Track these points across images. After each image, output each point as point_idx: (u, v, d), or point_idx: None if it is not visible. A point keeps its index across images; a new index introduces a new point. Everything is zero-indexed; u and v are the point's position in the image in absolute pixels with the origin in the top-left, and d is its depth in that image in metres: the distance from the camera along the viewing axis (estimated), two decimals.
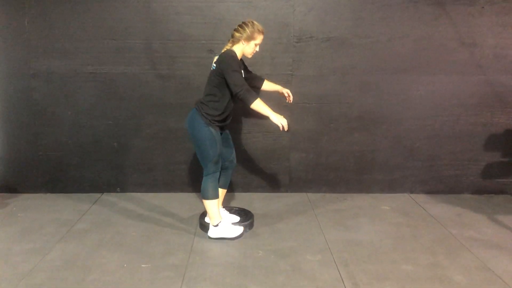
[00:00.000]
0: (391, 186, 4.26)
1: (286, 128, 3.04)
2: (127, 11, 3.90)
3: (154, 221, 3.60)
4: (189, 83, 4.02)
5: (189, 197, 4.13)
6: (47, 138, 4.10)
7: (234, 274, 2.77)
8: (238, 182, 4.25)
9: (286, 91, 3.50)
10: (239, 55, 3.15)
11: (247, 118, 4.08)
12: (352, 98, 4.09)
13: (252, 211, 3.68)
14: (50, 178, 4.18)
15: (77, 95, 4.04)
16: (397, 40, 3.99)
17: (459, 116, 4.13)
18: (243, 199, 4.08)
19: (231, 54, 3.05)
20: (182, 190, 4.24)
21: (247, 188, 4.26)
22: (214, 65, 3.11)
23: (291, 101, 3.55)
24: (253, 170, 4.22)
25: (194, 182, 4.23)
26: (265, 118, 3.07)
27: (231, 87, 3.01)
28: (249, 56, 3.21)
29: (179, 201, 4.03)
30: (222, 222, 3.26)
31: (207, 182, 3.19)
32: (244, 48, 3.14)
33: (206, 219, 3.41)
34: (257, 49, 3.19)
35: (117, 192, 4.22)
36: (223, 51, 3.14)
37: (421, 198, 4.17)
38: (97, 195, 4.17)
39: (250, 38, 3.10)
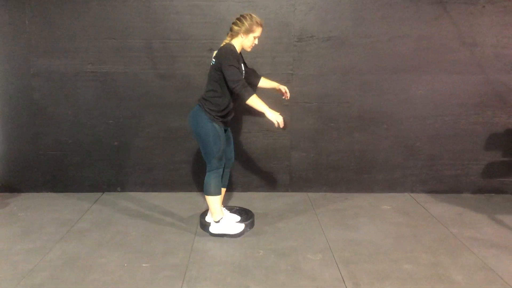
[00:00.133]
0: (391, 185, 4.26)
1: (281, 125, 3.04)
2: (127, 11, 3.89)
3: (155, 220, 3.60)
4: (189, 82, 4.02)
5: (189, 197, 4.13)
6: (47, 138, 4.10)
7: (234, 273, 2.77)
8: (239, 181, 4.25)
9: (283, 88, 3.50)
10: (238, 49, 3.15)
11: (248, 117, 4.08)
12: (353, 98, 4.09)
13: (253, 211, 3.68)
14: (51, 178, 4.18)
15: (78, 95, 4.04)
16: (397, 40, 3.99)
17: (460, 115, 4.13)
18: (243, 199, 4.08)
19: (230, 48, 3.05)
20: (182, 190, 4.24)
21: (247, 188, 4.26)
22: (214, 60, 3.11)
23: (288, 98, 3.55)
24: (254, 169, 4.22)
25: (195, 181, 4.23)
26: (265, 116, 3.06)
27: (228, 82, 3.01)
28: (248, 49, 3.21)
29: (179, 201, 4.03)
30: (223, 218, 3.27)
31: (210, 178, 3.20)
32: (243, 41, 3.14)
33: (207, 219, 3.41)
34: (256, 42, 3.19)
35: (118, 191, 4.22)
36: (222, 45, 3.14)
37: (422, 197, 4.16)
38: (98, 194, 4.17)
39: (248, 31, 3.09)
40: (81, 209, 3.81)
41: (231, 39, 3.16)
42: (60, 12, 3.89)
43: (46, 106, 4.05)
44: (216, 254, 3.03)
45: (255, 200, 4.05)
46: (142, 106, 4.06)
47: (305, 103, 4.09)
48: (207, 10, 3.90)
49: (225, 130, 3.28)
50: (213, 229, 3.28)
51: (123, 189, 4.23)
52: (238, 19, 3.12)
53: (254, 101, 3.01)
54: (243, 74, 3.21)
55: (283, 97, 3.54)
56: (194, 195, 4.16)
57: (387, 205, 3.97)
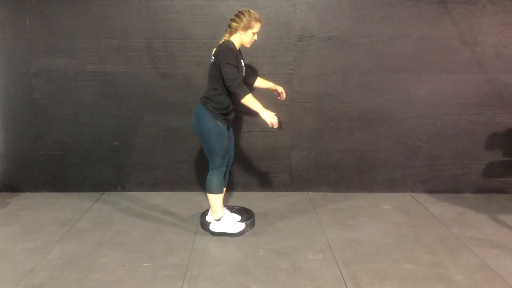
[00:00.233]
0: (392, 185, 4.26)
1: (275, 126, 3.03)
2: (128, 10, 3.89)
3: (155, 220, 3.60)
4: (190, 82, 4.02)
5: (190, 196, 4.13)
6: (48, 137, 4.10)
7: (235, 273, 2.77)
8: (239, 181, 4.25)
9: (279, 88, 3.50)
10: (237, 45, 3.14)
11: (248, 117, 4.08)
12: (353, 97, 4.08)
13: (253, 210, 3.68)
14: (51, 177, 4.19)
15: (78, 94, 4.04)
16: (398, 39, 3.98)
17: (460, 115, 4.13)
18: (244, 198, 4.08)
19: (228, 46, 3.05)
20: (183, 189, 4.24)
21: (248, 187, 4.26)
22: (213, 57, 3.10)
23: (284, 98, 3.55)
24: (254, 169, 4.22)
25: (195, 181, 4.23)
26: (259, 116, 3.06)
27: (224, 80, 3.01)
28: (248, 46, 3.20)
29: (180, 200, 4.03)
30: (224, 217, 3.27)
31: (213, 176, 3.20)
32: (242, 38, 3.13)
33: (207, 218, 3.41)
34: (255, 37, 3.18)
35: (118, 191, 4.22)
36: (221, 42, 3.14)
37: (422, 197, 4.16)
38: (98, 194, 4.17)
39: (247, 27, 3.09)
40: (82, 209, 3.81)
41: (230, 35, 3.15)
42: (60, 11, 3.89)
43: (47, 105, 4.05)
44: (216, 253, 3.03)
45: (255, 199, 4.05)
46: (143, 105, 4.06)
47: (306, 103, 4.09)
48: (207, 9, 3.90)
49: (228, 129, 3.28)
50: (214, 227, 3.28)
51: (123, 189, 4.23)
52: (236, 15, 3.11)
53: (249, 101, 3.00)
54: (243, 71, 3.20)
55: (279, 98, 3.54)
56: (195, 195, 4.17)
57: (388, 205, 3.97)
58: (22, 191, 4.21)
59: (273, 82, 3.70)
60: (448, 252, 3.07)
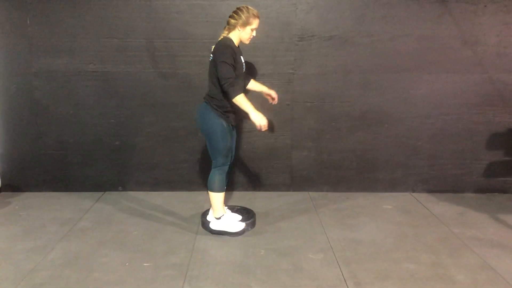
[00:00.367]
0: (393, 185, 4.26)
1: (263, 128, 3.04)
2: (128, 10, 3.89)
3: (156, 219, 3.60)
4: (190, 81, 4.02)
5: (191, 196, 4.13)
6: (48, 137, 4.11)
7: (236, 273, 2.77)
8: (240, 180, 4.25)
9: (273, 92, 3.49)
10: (236, 42, 3.14)
11: (248, 117, 4.07)
12: (354, 97, 4.08)
13: (254, 210, 3.68)
14: (52, 177, 4.19)
15: (79, 94, 4.04)
16: (399, 39, 3.98)
17: (461, 115, 4.12)
18: (244, 198, 4.08)
19: (226, 44, 3.04)
20: (184, 189, 4.24)
21: (248, 187, 4.26)
22: (212, 55, 3.10)
23: (276, 103, 3.54)
24: (255, 169, 4.22)
25: (196, 180, 4.23)
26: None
27: (219, 78, 3.01)
28: (247, 42, 3.19)
29: (181, 200, 4.03)
30: (225, 215, 3.27)
31: (215, 174, 3.21)
32: (241, 34, 3.13)
33: (208, 218, 3.41)
34: (254, 34, 3.17)
35: (119, 190, 4.23)
36: (219, 39, 3.14)
37: (423, 197, 4.16)
38: (99, 193, 4.17)
39: (246, 24, 3.08)
40: (83, 209, 3.81)
41: (229, 32, 3.15)
42: (61, 11, 3.89)
43: (48, 105, 4.05)
44: (217, 253, 3.03)
45: (256, 199, 4.05)
46: (143, 105, 4.06)
47: (306, 103, 4.09)
48: (208, 9, 3.90)
49: (232, 128, 3.27)
50: (214, 225, 3.29)
51: (124, 189, 4.24)
52: (234, 12, 3.11)
53: (241, 101, 3.00)
54: (243, 67, 3.19)
55: (270, 102, 3.53)
56: (196, 195, 4.17)
57: (389, 204, 3.97)
58: (23, 191, 4.22)
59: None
60: (449, 252, 3.07)
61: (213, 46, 3.13)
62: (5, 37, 3.94)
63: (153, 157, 4.17)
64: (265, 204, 3.95)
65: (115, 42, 3.95)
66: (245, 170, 4.22)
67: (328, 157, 4.20)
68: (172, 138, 4.13)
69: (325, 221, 3.58)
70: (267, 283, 2.66)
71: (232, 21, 3.10)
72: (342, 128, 4.14)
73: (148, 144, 4.14)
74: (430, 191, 4.26)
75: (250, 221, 3.43)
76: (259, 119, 3.02)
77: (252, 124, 3.09)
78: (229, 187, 4.04)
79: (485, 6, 3.92)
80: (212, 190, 3.23)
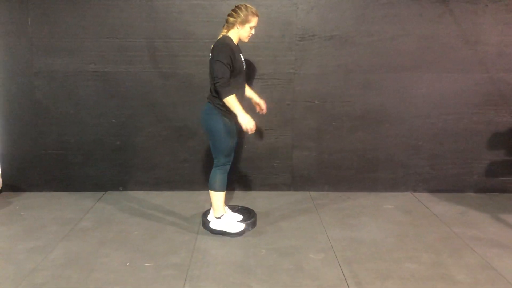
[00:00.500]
0: (394, 184, 4.25)
1: (250, 132, 3.06)
2: (129, 10, 3.89)
3: (157, 219, 3.60)
4: (191, 81, 4.02)
5: (191, 196, 4.13)
6: (50, 137, 4.11)
7: (236, 272, 2.77)
8: (241, 180, 4.25)
9: (262, 103, 3.48)
10: (235, 40, 3.14)
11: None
12: (355, 97, 4.08)
13: (255, 210, 3.68)
14: (53, 177, 4.19)
15: (80, 94, 4.04)
16: (399, 38, 3.98)
17: (462, 114, 4.12)
18: (245, 198, 4.08)
19: (224, 42, 3.04)
20: (184, 189, 4.25)
21: (249, 187, 4.26)
22: (211, 54, 3.10)
23: (263, 113, 3.54)
24: (256, 168, 4.22)
25: (197, 180, 4.23)
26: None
27: (214, 76, 3.01)
28: (246, 40, 3.19)
29: (181, 200, 4.03)
30: (225, 215, 3.27)
31: (216, 174, 3.21)
32: (240, 32, 3.13)
33: (209, 217, 3.41)
34: (253, 32, 3.17)
35: (120, 190, 4.23)
36: (218, 38, 3.14)
37: (424, 196, 4.16)
38: (100, 193, 4.17)
39: (244, 22, 3.08)
40: (84, 208, 3.82)
41: (228, 31, 3.15)
42: (62, 11, 3.89)
43: (48, 105, 4.06)
44: (218, 253, 3.03)
45: (257, 199, 4.05)
46: (144, 105, 4.07)
47: (307, 102, 4.08)
48: (209, 9, 3.90)
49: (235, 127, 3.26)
50: (214, 225, 3.29)
51: (125, 188, 4.24)
52: (233, 10, 3.10)
53: (231, 102, 3.00)
54: (244, 65, 3.18)
55: (257, 111, 3.51)
56: (196, 194, 4.17)
57: (390, 204, 3.97)
58: (24, 191, 4.22)
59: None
60: (450, 251, 3.07)
61: (212, 45, 3.13)
62: (6, 37, 3.94)
63: (154, 157, 4.17)
64: (266, 203, 3.95)
65: (116, 42, 3.95)
66: (245, 169, 4.22)
67: (329, 156, 4.19)
68: (173, 138, 4.14)
69: (326, 221, 3.58)
70: (268, 283, 2.66)
71: (231, 19, 3.10)
72: (343, 128, 4.14)
73: (149, 144, 4.14)
74: (431, 190, 4.26)
75: (250, 221, 3.43)
76: (247, 122, 3.03)
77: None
78: (229, 186, 4.04)
79: (486, 5, 3.92)
80: (213, 189, 3.23)
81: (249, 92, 3.47)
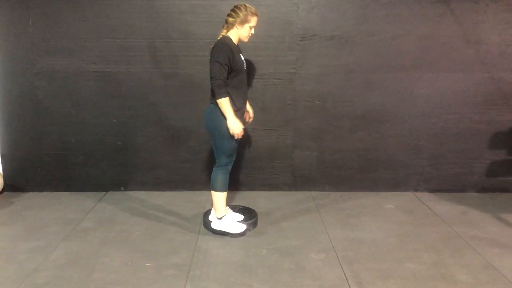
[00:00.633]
0: (395, 184, 4.25)
1: (236, 137, 3.07)
2: (130, 10, 3.89)
3: (158, 219, 3.60)
4: (192, 81, 4.02)
5: (193, 196, 4.13)
6: (51, 137, 4.11)
7: (238, 272, 2.77)
8: (242, 180, 4.25)
9: (251, 111, 3.48)
10: (235, 41, 3.14)
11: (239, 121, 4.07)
12: (356, 96, 4.08)
13: (256, 210, 3.68)
14: (54, 177, 4.20)
15: (81, 94, 4.04)
16: (400, 38, 3.97)
17: (464, 114, 4.12)
18: (246, 198, 4.08)
19: (223, 42, 3.04)
20: (185, 189, 4.25)
21: (250, 187, 4.26)
22: (210, 55, 3.10)
23: (250, 122, 3.54)
24: (257, 168, 4.22)
25: (198, 180, 4.23)
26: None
27: (211, 77, 3.01)
28: (245, 40, 3.19)
29: (182, 200, 4.03)
30: (226, 216, 3.27)
31: (218, 174, 3.21)
32: (239, 32, 3.13)
33: (210, 217, 3.41)
34: (253, 31, 3.17)
35: (121, 190, 4.23)
36: (218, 38, 3.13)
37: (426, 196, 4.15)
38: (101, 193, 4.18)
39: (244, 22, 3.08)
40: (85, 208, 3.82)
41: (227, 31, 3.15)
42: (63, 11, 3.89)
43: (50, 105, 4.06)
44: (219, 253, 3.03)
45: (258, 199, 4.05)
46: (145, 105, 4.07)
47: (308, 102, 4.08)
48: (209, 9, 3.90)
49: None
50: (215, 225, 3.29)
51: (126, 188, 4.24)
52: (232, 10, 3.10)
53: (224, 104, 3.01)
54: (244, 65, 3.18)
55: (246, 120, 3.49)
56: (198, 194, 4.17)
57: (391, 204, 3.96)
58: (25, 191, 4.22)
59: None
60: (451, 251, 3.06)
61: (212, 45, 3.13)
62: (7, 38, 3.94)
63: (155, 157, 4.17)
64: (267, 203, 3.95)
65: (117, 42, 3.95)
66: (247, 169, 4.22)
67: (330, 156, 4.19)
68: (174, 138, 4.14)
69: (327, 221, 3.58)
70: (269, 282, 2.66)
71: (230, 19, 3.10)
72: (344, 128, 4.14)
73: (150, 144, 4.14)
74: (432, 190, 4.26)
75: (251, 221, 3.43)
76: (235, 127, 3.03)
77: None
78: (230, 186, 4.03)
79: (487, 5, 3.91)
80: (215, 190, 3.23)
81: None
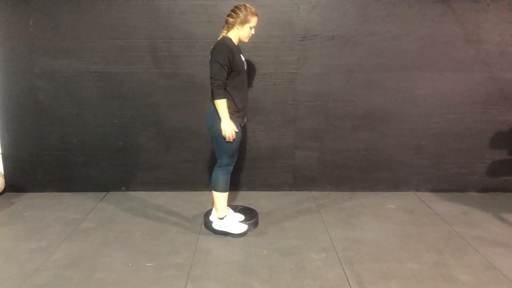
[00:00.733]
0: (396, 184, 4.25)
1: (228, 139, 3.06)
2: (131, 10, 3.90)
3: (159, 220, 3.60)
4: (193, 82, 4.02)
5: (193, 196, 4.14)
6: (52, 137, 4.12)
7: (238, 272, 2.78)
8: (243, 180, 4.25)
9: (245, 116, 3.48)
10: (235, 41, 3.13)
11: (251, 117, 4.08)
12: (357, 96, 4.08)
13: (257, 210, 3.68)
14: (56, 177, 4.20)
15: (82, 94, 4.05)
16: (402, 38, 3.97)
17: (465, 113, 4.11)
18: (247, 198, 4.08)
19: (223, 43, 3.03)
20: (186, 189, 4.25)
21: (251, 187, 4.26)
22: (210, 56, 3.10)
23: (245, 121, 3.54)
24: (258, 168, 4.22)
25: (199, 180, 4.23)
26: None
27: (210, 77, 3.02)
28: (246, 40, 3.18)
29: (183, 200, 4.03)
30: (228, 216, 3.27)
31: (219, 174, 3.21)
32: (240, 33, 3.12)
33: (211, 218, 3.41)
34: (253, 32, 3.17)
35: (122, 191, 4.23)
36: (218, 39, 3.13)
37: (427, 196, 4.15)
38: (102, 194, 4.18)
39: (244, 22, 3.08)
40: (86, 209, 3.82)
41: (228, 31, 3.15)
42: (64, 12, 3.90)
43: (51, 106, 4.06)
44: (220, 253, 3.03)
45: (259, 199, 4.05)
46: (146, 105, 4.07)
47: (309, 102, 4.08)
48: (210, 9, 3.90)
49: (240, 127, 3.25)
50: (216, 225, 3.29)
51: (127, 189, 4.24)
52: (232, 10, 3.10)
53: (221, 105, 3.00)
54: (245, 65, 3.18)
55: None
56: (199, 195, 4.17)
57: (392, 204, 3.96)
58: (27, 191, 4.23)
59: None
60: (452, 251, 3.06)
61: (212, 46, 3.13)
62: (8, 38, 3.95)
63: (156, 157, 4.17)
64: (268, 203, 3.95)
65: (118, 42, 3.95)
66: (248, 169, 4.22)
67: (331, 156, 4.19)
68: (175, 138, 4.14)
69: (328, 221, 3.58)
70: (269, 283, 2.66)
71: (231, 19, 3.10)
72: (345, 128, 4.14)
73: (151, 144, 4.15)
74: (433, 190, 4.25)
75: (252, 220, 3.43)
76: (228, 130, 3.03)
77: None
78: (231, 186, 4.04)
79: (488, 4, 3.91)
80: (216, 190, 3.23)
81: None
